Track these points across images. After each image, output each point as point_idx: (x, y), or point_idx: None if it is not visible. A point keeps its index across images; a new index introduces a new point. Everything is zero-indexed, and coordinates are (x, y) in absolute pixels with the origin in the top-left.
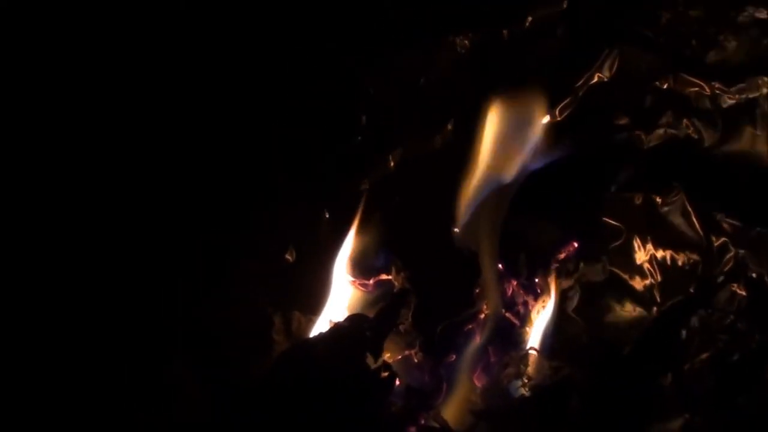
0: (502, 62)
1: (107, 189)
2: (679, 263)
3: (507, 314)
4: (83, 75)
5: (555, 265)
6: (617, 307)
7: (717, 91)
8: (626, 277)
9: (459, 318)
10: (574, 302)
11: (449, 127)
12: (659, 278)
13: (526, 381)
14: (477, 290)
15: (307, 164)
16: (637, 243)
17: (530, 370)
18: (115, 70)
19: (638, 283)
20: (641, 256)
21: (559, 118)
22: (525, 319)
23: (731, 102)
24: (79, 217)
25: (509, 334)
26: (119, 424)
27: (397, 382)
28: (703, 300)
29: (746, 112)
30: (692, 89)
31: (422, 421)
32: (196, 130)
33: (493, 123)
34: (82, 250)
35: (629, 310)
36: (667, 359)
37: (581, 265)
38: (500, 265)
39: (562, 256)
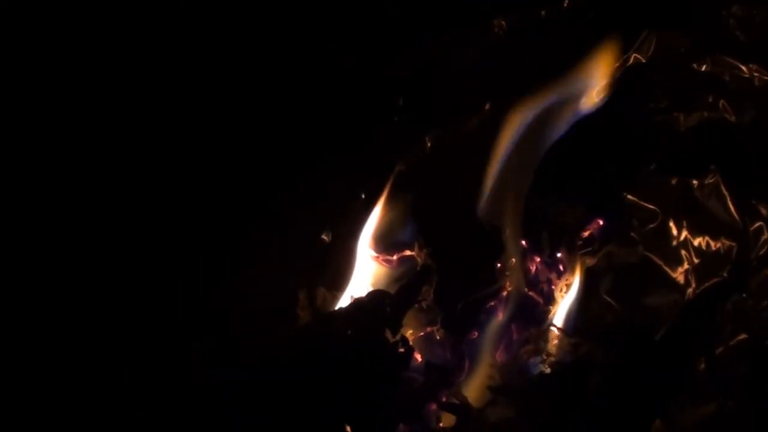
0: (539, 44)
1: (131, 183)
2: (714, 247)
3: (530, 292)
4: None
5: (579, 243)
6: (650, 291)
7: (755, 73)
8: (660, 260)
9: (481, 295)
10: (607, 285)
11: (486, 107)
12: (694, 262)
13: (545, 358)
14: (499, 267)
15: (344, 145)
16: (672, 226)
17: (550, 347)
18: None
19: (672, 267)
20: (676, 240)
21: (596, 100)
22: (549, 297)
23: None
24: (94, 212)
25: (532, 312)
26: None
27: (419, 359)
28: (737, 284)
29: None
30: (730, 71)
31: (443, 398)
32: (222, 115)
33: (527, 104)
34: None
35: (663, 293)
36: (700, 344)
37: (615, 247)
38: (524, 242)
39: (586, 234)
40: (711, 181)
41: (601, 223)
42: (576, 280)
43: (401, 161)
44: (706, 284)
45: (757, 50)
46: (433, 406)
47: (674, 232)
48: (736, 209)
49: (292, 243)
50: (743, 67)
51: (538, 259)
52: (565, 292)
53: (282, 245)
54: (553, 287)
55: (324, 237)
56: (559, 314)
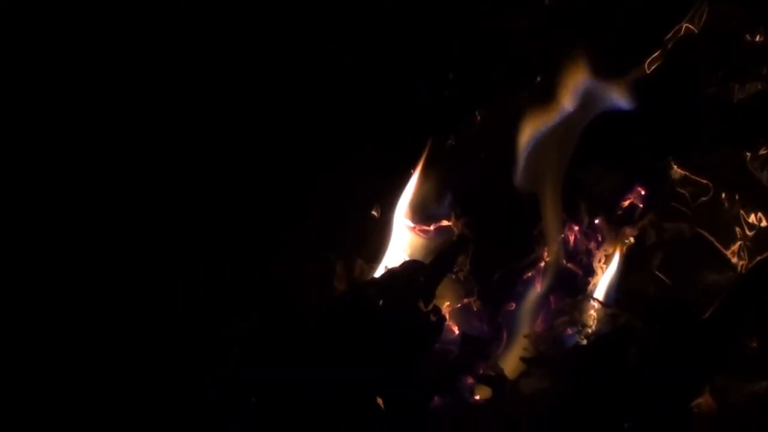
0: (591, 15)
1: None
2: (766, 221)
3: (569, 263)
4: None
5: (619, 213)
6: (701, 266)
7: None
8: (712, 235)
9: (518, 265)
10: (657, 259)
11: (537, 79)
12: (747, 237)
13: (581, 329)
14: (536, 237)
15: (381, 118)
16: (724, 200)
17: (587, 318)
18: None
19: (724, 242)
20: (728, 214)
21: (648, 71)
22: (588, 268)
23: None
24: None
25: (571, 284)
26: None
27: (456, 331)
28: None
29: None
30: None
31: (480, 371)
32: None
33: (577, 75)
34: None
35: (714, 269)
36: (751, 321)
37: (665, 221)
38: (562, 212)
39: (626, 203)
40: (764, 153)
41: (642, 192)
42: (616, 252)
43: (441, 134)
44: (759, 259)
45: None
46: (469, 379)
47: (726, 205)
48: None
49: (330, 215)
50: None
51: (577, 229)
52: (605, 264)
53: (321, 218)
54: (592, 258)
55: (374, 212)
56: (598, 286)
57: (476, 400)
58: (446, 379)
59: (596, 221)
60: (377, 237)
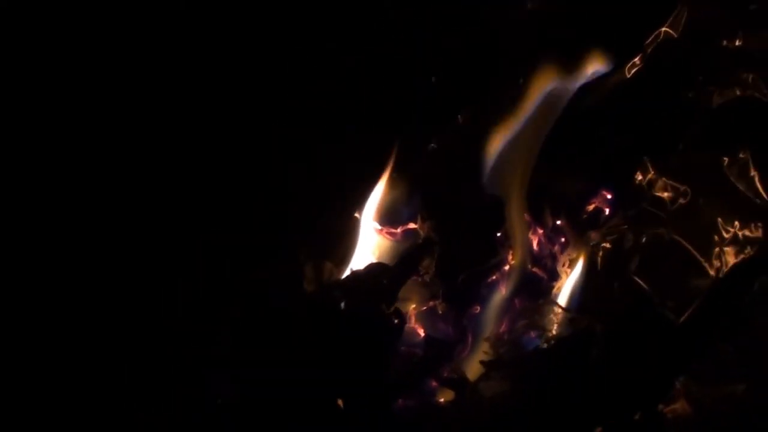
0: (572, 20)
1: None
2: (743, 227)
3: (534, 267)
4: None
5: (584, 217)
6: (678, 271)
7: None
8: (688, 241)
9: (481, 268)
10: (634, 264)
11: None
12: (722, 243)
13: (542, 332)
14: (500, 240)
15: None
16: (702, 205)
17: (546, 321)
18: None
19: (700, 248)
20: (705, 219)
21: (628, 75)
22: (553, 272)
23: None
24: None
25: (536, 287)
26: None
27: (422, 333)
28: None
29: None
30: (761, 46)
31: (444, 373)
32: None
33: (548, 79)
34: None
35: (689, 274)
36: (726, 325)
37: (641, 226)
38: (527, 216)
39: (591, 208)
40: (742, 158)
41: (608, 196)
42: (581, 256)
43: (410, 138)
44: (734, 265)
45: None
46: (433, 382)
47: (703, 211)
48: (764, 188)
49: (301, 219)
50: None
51: (542, 233)
52: (569, 267)
53: (292, 221)
54: (556, 262)
55: (357, 215)
56: (562, 290)
57: (439, 402)
58: (410, 381)
59: (560, 225)
60: (346, 240)
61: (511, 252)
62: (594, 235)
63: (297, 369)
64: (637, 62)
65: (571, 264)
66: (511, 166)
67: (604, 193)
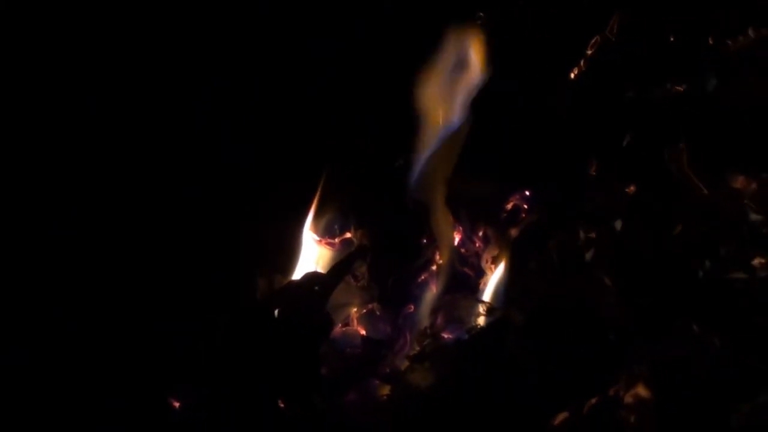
0: (512, 26)
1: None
2: (687, 219)
3: (461, 265)
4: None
5: (503, 215)
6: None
7: (722, 42)
8: (629, 235)
9: (409, 269)
10: (556, 265)
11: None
12: (664, 237)
13: (461, 325)
14: (426, 242)
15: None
16: (644, 200)
17: (466, 314)
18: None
19: (641, 242)
20: (647, 214)
21: (570, 78)
22: (478, 268)
23: (735, 52)
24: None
25: (464, 284)
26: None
27: (363, 333)
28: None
29: (751, 61)
30: (697, 41)
31: (387, 370)
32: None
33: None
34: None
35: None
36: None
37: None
38: (451, 217)
39: (510, 206)
40: (680, 152)
41: (528, 193)
42: (503, 252)
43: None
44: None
45: (724, 20)
46: (375, 381)
47: (646, 205)
48: (704, 181)
49: (253, 235)
50: (709, 38)
51: (465, 233)
52: (493, 264)
53: (244, 238)
54: (480, 259)
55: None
56: (486, 285)
57: (380, 396)
58: (351, 379)
59: (482, 224)
60: (290, 253)
61: (438, 253)
62: (514, 232)
63: (242, 374)
64: (578, 66)
65: (495, 261)
66: (434, 171)
67: (522, 191)
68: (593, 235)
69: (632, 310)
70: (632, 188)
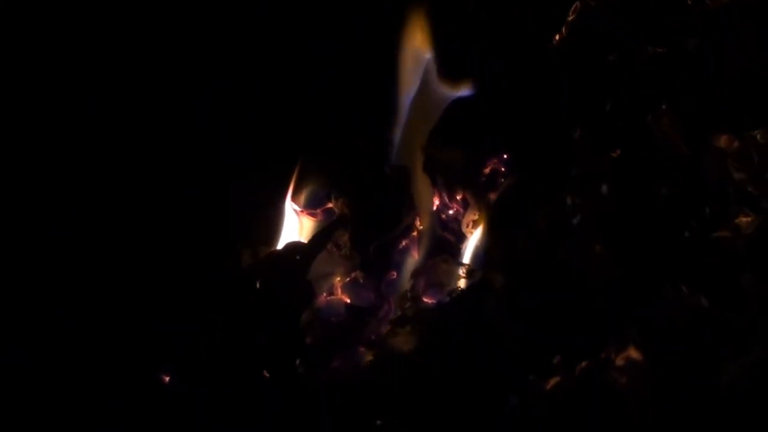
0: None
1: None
2: (671, 182)
3: (442, 230)
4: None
5: (482, 179)
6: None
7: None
8: (619, 200)
9: (391, 236)
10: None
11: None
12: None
13: (441, 288)
14: (405, 209)
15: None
16: (630, 164)
17: (446, 277)
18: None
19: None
20: (634, 177)
21: (552, 45)
22: (459, 233)
23: (714, 11)
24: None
25: (446, 249)
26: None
27: (347, 301)
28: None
29: (730, 20)
30: (676, 2)
31: (371, 337)
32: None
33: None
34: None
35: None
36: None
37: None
38: (430, 183)
39: (488, 170)
40: (662, 115)
41: (505, 157)
42: (482, 216)
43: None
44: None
45: None
46: (360, 348)
47: (626, 170)
48: (687, 142)
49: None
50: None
51: (446, 198)
52: (473, 228)
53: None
54: (461, 223)
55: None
56: (465, 248)
57: (366, 362)
58: (335, 348)
59: (460, 189)
60: (275, 225)
61: (418, 219)
62: (493, 196)
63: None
64: (560, 32)
65: (474, 225)
66: (410, 139)
67: (498, 154)
68: (580, 200)
69: (620, 274)
70: (617, 152)
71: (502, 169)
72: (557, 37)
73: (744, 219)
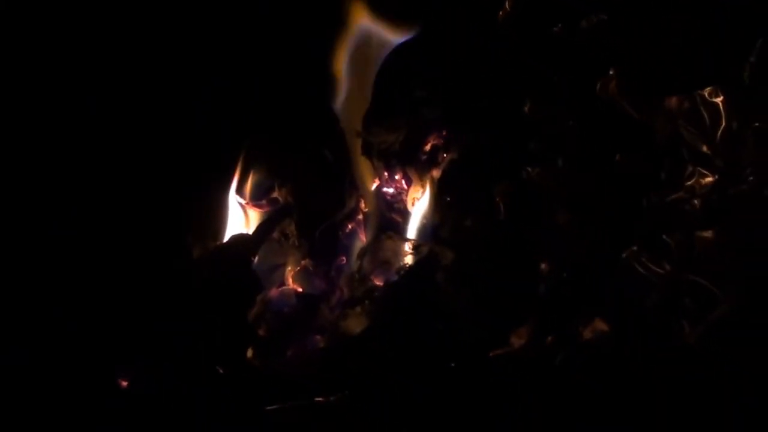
0: None
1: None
2: (625, 148)
3: (387, 210)
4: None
5: (423, 157)
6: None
7: None
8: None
9: (334, 219)
10: (501, 213)
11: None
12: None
13: (387, 266)
14: (347, 192)
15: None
16: (579, 133)
17: (389, 254)
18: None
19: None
20: (580, 149)
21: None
22: (405, 212)
23: None
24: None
25: (393, 228)
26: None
27: (299, 290)
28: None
29: None
30: None
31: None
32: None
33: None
34: None
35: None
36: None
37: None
38: (370, 164)
39: (428, 147)
40: (610, 80)
41: (444, 133)
42: (426, 193)
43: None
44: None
45: None
46: (316, 336)
47: (578, 140)
48: (637, 106)
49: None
50: None
51: (387, 178)
52: (415, 205)
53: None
54: (405, 201)
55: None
56: (410, 225)
57: (319, 348)
58: (288, 338)
59: (400, 167)
60: (221, 219)
61: (362, 200)
62: (435, 173)
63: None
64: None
65: (418, 200)
66: (346, 123)
67: (438, 131)
68: (537, 173)
69: (583, 245)
70: (570, 122)
71: (442, 144)
72: (505, 6)
73: (698, 180)
